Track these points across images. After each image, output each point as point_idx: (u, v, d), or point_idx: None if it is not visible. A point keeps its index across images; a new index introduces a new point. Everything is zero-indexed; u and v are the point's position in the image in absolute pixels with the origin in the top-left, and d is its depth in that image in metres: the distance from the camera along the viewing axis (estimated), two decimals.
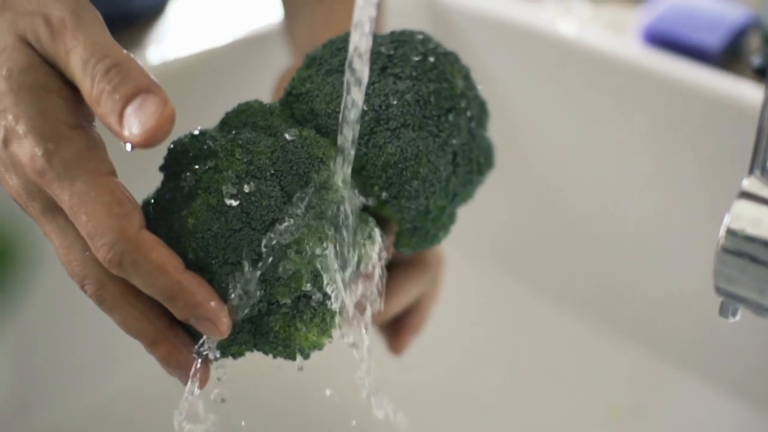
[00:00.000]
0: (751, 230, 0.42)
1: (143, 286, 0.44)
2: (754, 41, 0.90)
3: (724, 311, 0.45)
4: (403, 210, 0.51)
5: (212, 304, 0.45)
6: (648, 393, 0.83)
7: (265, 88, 0.77)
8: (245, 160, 0.47)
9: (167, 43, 0.82)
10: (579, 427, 0.80)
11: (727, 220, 0.42)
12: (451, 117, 0.52)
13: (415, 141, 0.50)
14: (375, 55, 0.52)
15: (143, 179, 0.50)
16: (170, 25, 0.86)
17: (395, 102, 0.51)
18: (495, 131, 0.94)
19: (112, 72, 0.43)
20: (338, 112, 0.49)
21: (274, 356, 0.48)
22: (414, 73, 0.52)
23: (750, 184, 0.43)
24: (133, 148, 0.43)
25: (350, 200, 0.49)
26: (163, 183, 0.49)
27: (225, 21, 0.86)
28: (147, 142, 0.42)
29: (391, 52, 0.53)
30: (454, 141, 0.52)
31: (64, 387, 0.77)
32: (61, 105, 0.44)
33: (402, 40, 0.54)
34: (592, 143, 0.88)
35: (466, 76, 0.55)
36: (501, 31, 0.92)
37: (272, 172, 0.47)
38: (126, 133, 0.42)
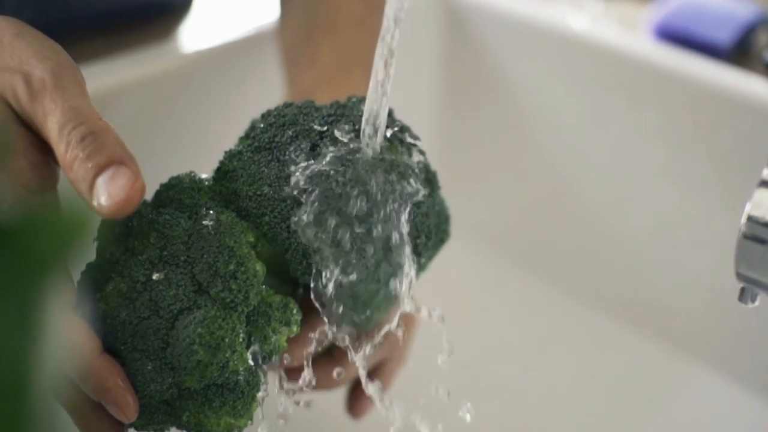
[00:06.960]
0: None
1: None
2: (764, 37, 0.91)
3: (744, 297, 0.46)
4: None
5: (120, 390, 0.45)
6: (660, 382, 0.84)
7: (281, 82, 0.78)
8: (159, 245, 0.46)
9: (192, 35, 0.83)
10: (592, 415, 0.81)
11: (748, 208, 0.44)
12: None
13: (337, 227, 0.48)
14: (307, 131, 0.50)
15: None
16: (199, 16, 0.86)
17: (317, 188, 0.48)
18: (508, 127, 0.95)
19: (88, 140, 0.43)
20: (260, 195, 0.48)
21: None
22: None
23: None
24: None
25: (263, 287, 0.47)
26: (96, 255, 0.48)
27: (250, 13, 0.86)
28: (114, 214, 0.43)
29: (324, 128, 0.50)
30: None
31: None
32: (23, 167, 0.44)
33: (339, 114, 0.51)
34: (604, 138, 0.89)
35: (407, 152, 0.51)
36: (513, 27, 0.92)
37: (185, 258, 0.46)
38: (95, 202, 0.43)
